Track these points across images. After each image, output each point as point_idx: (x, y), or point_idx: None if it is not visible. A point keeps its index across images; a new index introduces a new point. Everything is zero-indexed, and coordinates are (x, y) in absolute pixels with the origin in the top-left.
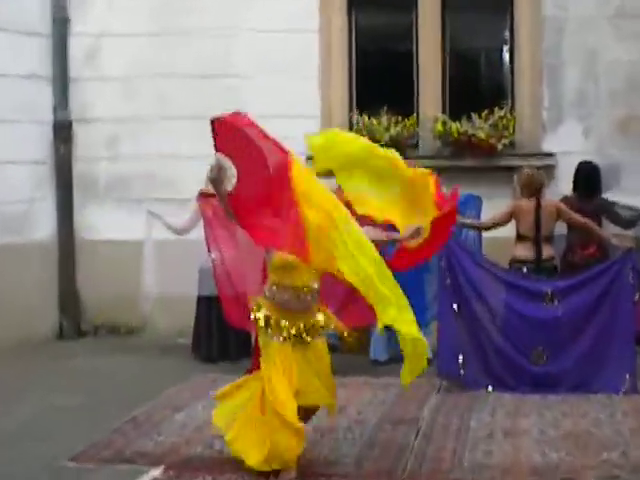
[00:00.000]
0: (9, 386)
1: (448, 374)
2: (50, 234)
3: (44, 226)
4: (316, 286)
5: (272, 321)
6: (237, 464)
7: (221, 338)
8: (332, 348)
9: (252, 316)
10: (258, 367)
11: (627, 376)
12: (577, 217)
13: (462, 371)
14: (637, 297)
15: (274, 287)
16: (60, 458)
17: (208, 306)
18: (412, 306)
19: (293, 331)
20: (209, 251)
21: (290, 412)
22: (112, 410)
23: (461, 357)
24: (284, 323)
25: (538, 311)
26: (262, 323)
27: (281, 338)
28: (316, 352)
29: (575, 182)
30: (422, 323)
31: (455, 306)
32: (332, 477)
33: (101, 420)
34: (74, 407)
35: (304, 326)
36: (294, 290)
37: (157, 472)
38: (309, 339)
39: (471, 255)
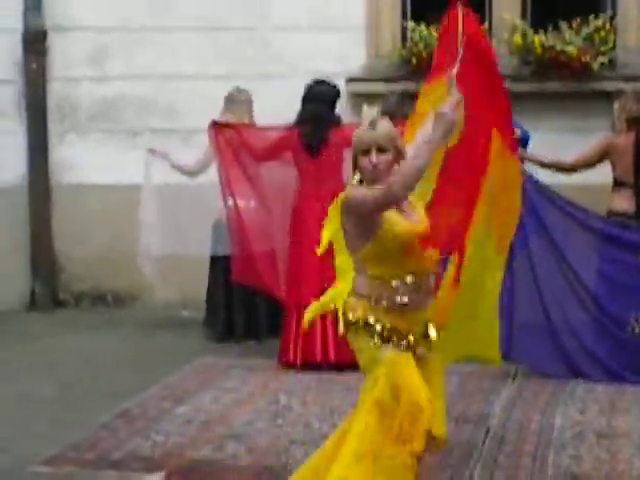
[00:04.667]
0: None
1: (518, 356)
2: (18, 176)
3: (10, 166)
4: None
5: (386, 331)
6: (254, 470)
7: (245, 309)
8: None
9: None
10: (286, 354)
11: None
12: None
13: (533, 350)
14: None
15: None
16: (31, 462)
17: (224, 269)
18: None
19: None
20: (224, 199)
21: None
22: (97, 401)
23: (533, 332)
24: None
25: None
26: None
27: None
28: (433, 365)
29: None
30: None
31: (525, 265)
32: None
33: (83, 414)
34: (49, 397)
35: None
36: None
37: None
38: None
39: (548, 196)
